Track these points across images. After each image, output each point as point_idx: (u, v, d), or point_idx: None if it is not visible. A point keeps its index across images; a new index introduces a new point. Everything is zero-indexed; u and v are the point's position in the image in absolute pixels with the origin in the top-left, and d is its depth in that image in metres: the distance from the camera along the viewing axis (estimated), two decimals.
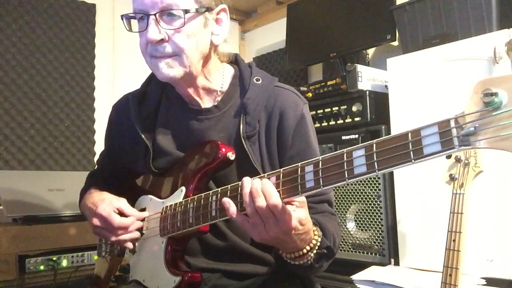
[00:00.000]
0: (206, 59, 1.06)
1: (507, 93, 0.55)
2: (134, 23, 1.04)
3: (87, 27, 2.68)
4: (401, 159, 0.65)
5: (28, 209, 2.00)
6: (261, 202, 0.80)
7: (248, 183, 0.83)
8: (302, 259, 0.92)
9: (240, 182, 0.86)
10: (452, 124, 0.60)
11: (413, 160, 0.64)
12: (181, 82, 1.05)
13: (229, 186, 0.92)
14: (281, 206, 0.80)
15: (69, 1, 2.61)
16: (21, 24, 2.43)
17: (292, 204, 0.85)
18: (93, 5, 2.71)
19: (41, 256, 1.86)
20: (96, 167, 1.44)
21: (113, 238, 1.10)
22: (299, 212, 0.84)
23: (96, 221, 1.10)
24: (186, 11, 0.97)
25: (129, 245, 1.12)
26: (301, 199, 0.85)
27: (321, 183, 0.76)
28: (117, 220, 1.08)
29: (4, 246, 1.80)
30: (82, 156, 2.57)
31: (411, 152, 0.64)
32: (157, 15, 0.96)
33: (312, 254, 0.92)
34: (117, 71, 2.79)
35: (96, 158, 2.60)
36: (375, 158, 0.68)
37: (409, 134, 0.65)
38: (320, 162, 0.77)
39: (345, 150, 0.74)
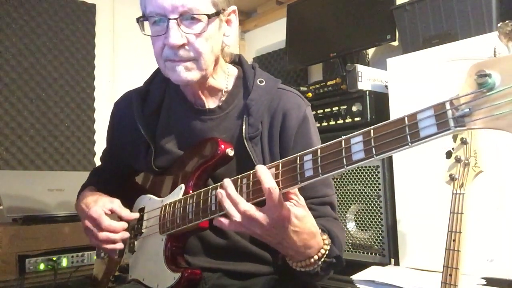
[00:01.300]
0: (216, 61, 1.06)
1: (500, 74, 0.56)
2: (146, 25, 1.02)
3: (87, 27, 2.68)
4: (398, 143, 0.66)
5: (28, 209, 2.00)
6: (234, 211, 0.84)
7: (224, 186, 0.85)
8: (309, 266, 0.92)
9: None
10: (447, 106, 0.61)
11: (410, 143, 0.64)
12: (195, 84, 1.06)
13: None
14: (249, 210, 0.81)
15: (69, 1, 2.61)
16: (21, 24, 2.43)
17: (290, 201, 0.84)
18: (93, 5, 2.71)
19: (41, 256, 1.86)
20: (100, 164, 1.43)
21: (100, 241, 1.08)
22: (295, 209, 0.84)
23: (87, 223, 1.10)
24: (208, 16, 0.96)
25: (113, 253, 1.12)
26: (302, 201, 0.84)
27: (320, 171, 0.76)
28: (106, 222, 1.07)
29: (4, 246, 1.80)
30: (82, 156, 2.57)
31: (408, 136, 0.64)
32: (178, 19, 0.95)
33: (320, 263, 0.91)
34: (117, 71, 2.79)
35: (96, 158, 2.60)
36: (372, 144, 0.69)
37: (406, 118, 0.65)
38: (319, 150, 0.77)
39: (343, 137, 0.74)
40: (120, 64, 2.79)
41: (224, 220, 0.87)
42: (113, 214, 1.11)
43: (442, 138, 0.63)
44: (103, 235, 1.07)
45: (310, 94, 2.25)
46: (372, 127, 0.70)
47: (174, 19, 0.95)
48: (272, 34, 3.26)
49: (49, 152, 2.46)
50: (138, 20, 1.01)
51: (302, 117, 1.09)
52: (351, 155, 0.71)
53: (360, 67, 2.04)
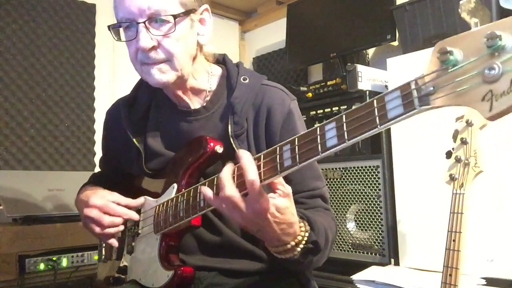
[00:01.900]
0: (193, 60, 1.07)
1: (462, 51, 0.56)
2: (121, 32, 1.04)
3: (87, 27, 2.67)
4: (368, 126, 0.66)
5: (28, 209, 2.00)
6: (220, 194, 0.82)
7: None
8: (288, 253, 0.91)
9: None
10: (413, 86, 0.61)
11: (379, 126, 0.64)
12: (173, 86, 1.07)
13: (215, 176, 0.91)
14: (233, 197, 0.80)
15: (69, 1, 2.61)
16: (21, 24, 2.42)
17: (275, 192, 0.84)
18: (93, 5, 2.71)
19: (41, 256, 1.86)
20: (99, 171, 1.45)
21: (104, 226, 1.09)
22: (278, 200, 0.83)
23: (89, 212, 1.10)
24: (175, 16, 0.97)
25: (115, 242, 1.12)
26: (286, 189, 0.84)
27: (297, 160, 0.76)
28: (115, 207, 1.09)
29: (4, 246, 1.80)
30: (82, 156, 2.57)
31: (377, 118, 0.65)
32: (146, 22, 0.97)
33: (298, 249, 0.91)
34: (117, 71, 2.79)
35: (96, 158, 2.60)
36: (345, 129, 0.69)
37: (375, 101, 0.66)
38: (296, 139, 0.77)
39: (318, 125, 0.74)
40: (120, 64, 2.79)
41: (209, 192, 0.86)
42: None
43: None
44: (108, 219, 1.08)
45: (310, 94, 2.25)
46: (344, 112, 0.71)
47: (142, 22, 0.97)
48: (272, 34, 3.26)
49: (49, 152, 2.46)
50: (109, 27, 1.03)
51: (287, 111, 1.09)
52: (325, 141, 0.72)
53: (360, 67, 2.04)
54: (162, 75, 1.01)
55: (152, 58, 0.99)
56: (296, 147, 0.77)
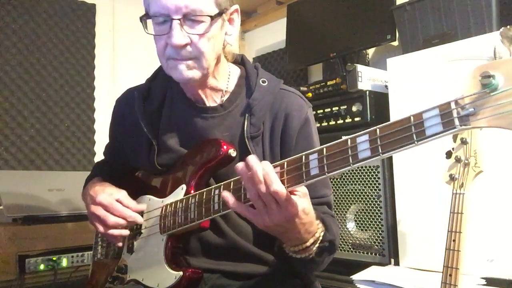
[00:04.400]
0: (218, 59, 1.07)
1: (503, 76, 0.59)
2: (149, 24, 1.03)
3: (87, 27, 2.68)
4: (405, 141, 0.68)
5: (28, 209, 2.00)
6: (262, 189, 0.79)
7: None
8: (304, 252, 0.93)
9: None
10: (453, 105, 0.63)
11: (416, 142, 0.66)
12: (196, 84, 1.06)
13: (232, 180, 0.92)
14: (283, 193, 0.80)
15: (69, 1, 2.61)
16: (21, 24, 2.43)
17: (295, 194, 0.85)
18: (93, 5, 2.71)
19: (41, 256, 1.86)
20: (103, 158, 1.44)
21: (109, 227, 1.09)
22: (302, 201, 0.85)
23: (94, 209, 1.10)
24: (211, 17, 0.97)
25: (119, 243, 1.12)
26: (303, 190, 0.86)
27: (326, 170, 0.77)
28: (121, 209, 1.09)
29: (4, 246, 1.80)
30: (82, 156, 2.57)
31: (414, 134, 0.66)
32: (181, 19, 0.96)
33: (314, 248, 0.93)
34: (117, 71, 2.79)
35: (96, 158, 2.60)
36: (379, 142, 0.71)
37: (411, 117, 0.67)
38: (325, 149, 0.78)
39: (348, 136, 0.75)
40: (120, 64, 2.79)
41: (230, 197, 0.86)
42: None
43: (442, 138, 0.64)
44: (112, 220, 1.08)
45: (310, 94, 2.25)
46: (377, 126, 0.71)
47: (177, 19, 0.95)
48: (272, 34, 3.26)
49: (49, 152, 2.46)
50: (141, 19, 1.02)
51: (304, 118, 1.09)
52: (357, 153, 0.73)
53: (360, 67, 2.03)
54: (189, 71, 1.00)
55: (182, 55, 0.98)
56: (324, 157, 0.78)
